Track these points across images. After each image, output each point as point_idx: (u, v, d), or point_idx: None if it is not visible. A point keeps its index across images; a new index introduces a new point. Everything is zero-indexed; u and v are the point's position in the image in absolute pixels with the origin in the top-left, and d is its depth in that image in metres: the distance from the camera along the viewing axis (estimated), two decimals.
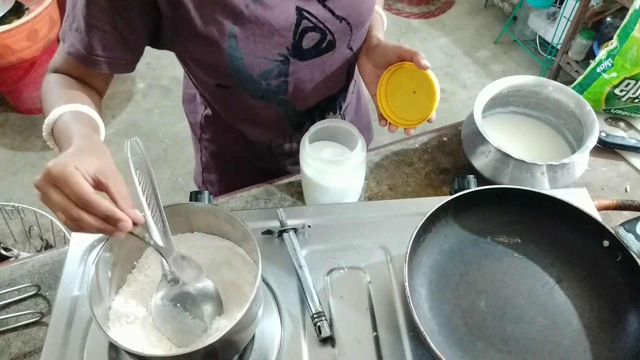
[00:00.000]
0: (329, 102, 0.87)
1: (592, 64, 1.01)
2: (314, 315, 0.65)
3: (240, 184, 0.91)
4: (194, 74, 0.81)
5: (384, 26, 0.85)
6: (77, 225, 0.49)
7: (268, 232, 0.74)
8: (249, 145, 0.92)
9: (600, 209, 0.83)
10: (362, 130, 0.79)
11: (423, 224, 0.66)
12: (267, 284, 0.70)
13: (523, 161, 0.80)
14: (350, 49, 0.81)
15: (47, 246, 1.78)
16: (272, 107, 0.82)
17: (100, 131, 0.66)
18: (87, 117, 0.64)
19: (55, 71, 0.71)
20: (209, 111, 0.92)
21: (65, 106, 0.63)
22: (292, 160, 0.95)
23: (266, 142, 0.91)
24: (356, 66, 0.91)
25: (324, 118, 0.89)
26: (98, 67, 0.68)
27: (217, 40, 0.68)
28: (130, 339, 0.57)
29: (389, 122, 0.78)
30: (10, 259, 1.10)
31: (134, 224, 0.51)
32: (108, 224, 0.49)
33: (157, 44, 0.72)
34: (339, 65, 0.81)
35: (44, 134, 0.65)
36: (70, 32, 0.67)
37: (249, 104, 0.81)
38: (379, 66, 0.77)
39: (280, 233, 0.74)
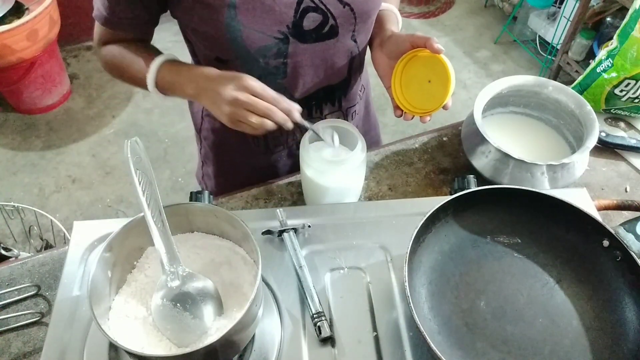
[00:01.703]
0: (327, 92, 0.87)
1: (592, 64, 1.01)
2: (314, 315, 0.65)
3: (235, 179, 0.91)
4: (196, 48, 0.81)
5: (399, 26, 0.86)
6: (262, 122, 0.69)
7: (268, 232, 0.74)
8: (244, 137, 0.92)
9: (600, 209, 0.83)
10: (370, 142, 0.79)
11: (423, 224, 0.66)
12: (267, 284, 0.70)
13: (523, 161, 0.80)
14: (355, 41, 0.81)
15: (47, 246, 1.78)
16: None
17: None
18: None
19: (105, 43, 0.81)
20: None
21: (158, 58, 0.76)
22: (287, 152, 0.95)
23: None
24: (362, 70, 0.91)
25: (322, 110, 0.89)
26: (119, 28, 0.76)
27: (216, 9, 0.69)
28: (130, 339, 0.57)
29: (405, 112, 0.78)
30: (10, 259, 1.10)
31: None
32: (285, 115, 0.70)
33: (166, 9, 0.75)
34: (341, 55, 0.82)
35: (149, 87, 0.77)
36: None
37: None
38: (393, 57, 0.78)
39: (280, 233, 0.74)
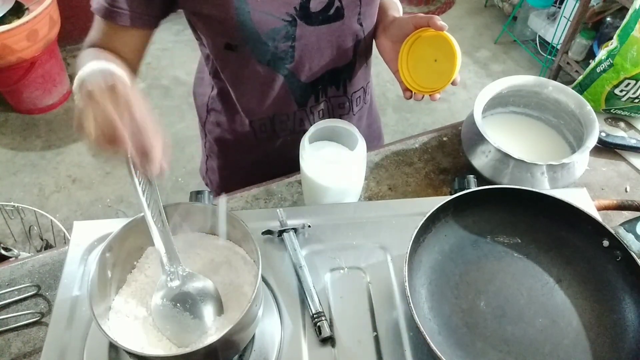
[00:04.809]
0: (332, 75, 0.88)
1: (592, 64, 1.01)
2: (314, 315, 0.65)
3: (240, 171, 0.91)
4: (205, 37, 0.81)
5: (400, 13, 0.87)
6: (109, 142, 0.50)
7: (268, 232, 0.74)
8: (250, 128, 0.92)
9: (600, 209, 0.83)
10: (372, 136, 0.79)
11: (423, 224, 0.66)
12: (267, 284, 0.70)
13: (523, 161, 0.80)
14: (361, 24, 0.82)
15: (47, 246, 1.78)
16: (279, 77, 0.83)
17: None
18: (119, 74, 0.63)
19: (91, 46, 0.76)
20: (216, 91, 0.92)
21: (99, 62, 0.62)
22: (295, 137, 0.93)
23: (269, 116, 0.91)
24: (369, 56, 0.91)
25: (327, 93, 0.90)
26: (120, 19, 0.72)
27: None
28: (130, 339, 0.57)
29: (414, 92, 0.79)
30: (10, 259, 1.10)
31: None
32: (138, 158, 0.51)
33: (173, 4, 0.74)
34: (347, 38, 0.83)
35: (74, 87, 0.62)
36: None
37: (256, 71, 0.82)
38: (397, 41, 0.79)
39: (280, 233, 0.74)
